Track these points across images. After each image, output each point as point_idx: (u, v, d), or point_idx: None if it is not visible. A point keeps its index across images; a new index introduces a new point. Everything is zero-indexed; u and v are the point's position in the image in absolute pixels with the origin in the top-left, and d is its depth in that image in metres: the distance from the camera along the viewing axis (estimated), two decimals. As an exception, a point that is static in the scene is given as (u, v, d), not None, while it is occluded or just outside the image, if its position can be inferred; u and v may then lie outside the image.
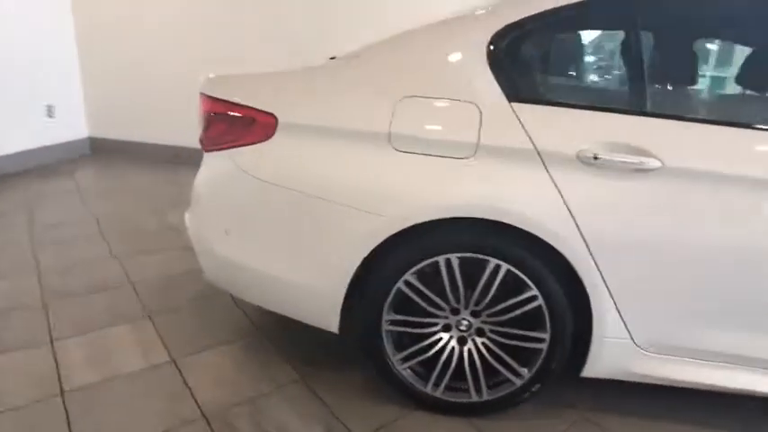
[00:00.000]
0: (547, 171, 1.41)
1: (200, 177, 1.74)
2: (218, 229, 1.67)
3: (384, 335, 1.60)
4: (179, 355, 1.89)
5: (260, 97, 1.58)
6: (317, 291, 1.61)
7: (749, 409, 1.73)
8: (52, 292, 2.28)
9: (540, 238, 1.43)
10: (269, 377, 1.80)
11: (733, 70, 1.49)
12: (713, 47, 1.53)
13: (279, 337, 2.03)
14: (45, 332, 1.99)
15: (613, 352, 1.54)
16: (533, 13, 1.46)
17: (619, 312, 1.48)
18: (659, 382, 1.56)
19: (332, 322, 1.64)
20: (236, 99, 1.58)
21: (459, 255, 1.49)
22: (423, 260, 1.51)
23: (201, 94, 1.69)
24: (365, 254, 1.51)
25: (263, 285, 1.69)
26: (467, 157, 1.43)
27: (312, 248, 1.58)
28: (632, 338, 1.51)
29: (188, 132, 4.69)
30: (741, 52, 1.47)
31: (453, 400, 1.64)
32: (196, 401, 1.66)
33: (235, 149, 1.60)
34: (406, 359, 1.62)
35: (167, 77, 4.59)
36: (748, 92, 1.54)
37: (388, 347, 1.61)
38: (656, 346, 1.52)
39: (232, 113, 1.59)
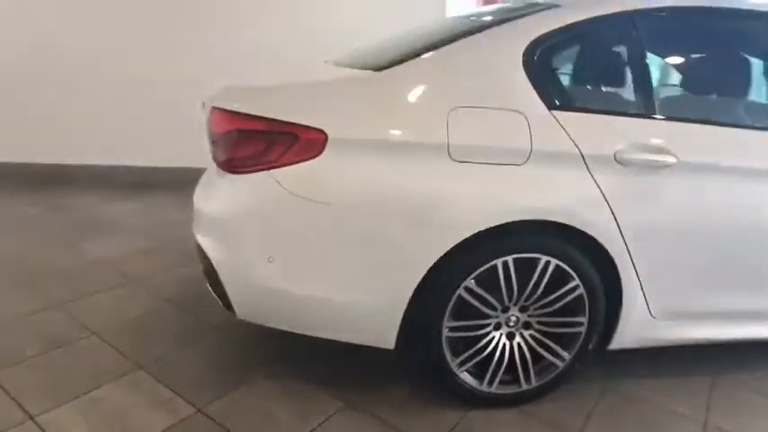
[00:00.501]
0: (589, 172, 1.57)
1: (227, 202, 1.56)
2: (260, 259, 1.53)
3: (444, 342, 1.62)
4: (203, 404, 1.68)
5: (304, 112, 1.48)
6: (376, 309, 1.57)
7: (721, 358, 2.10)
8: (-8, 358, 1.85)
9: (584, 233, 1.59)
10: (314, 408, 1.70)
11: (730, 81, 1.80)
12: (719, 61, 1.82)
13: (300, 365, 1.92)
14: (14, 408, 1.62)
15: (635, 325, 1.76)
16: (559, 26, 1.61)
17: (642, 290, 1.71)
18: (669, 344, 1.83)
19: (389, 339, 1.61)
20: (278, 115, 1.46)
21: (515, 256, 1.57)
22: (482, 265, 1.56)
23: (219, 109, 1.53)
24: (429, 266, 1.52)
25: (314, 311, 1.59)
26: (521, 164, 1.52)
27: (372, 266, 1.53)
28: (650, 311, 1.75)
29: (67, 149, 4.08)
30: (739, 66, 1.78)
31: (506, 392, 1.73)
32: (254, 449, 1.51)
33: (278, 170, 1.47)
34: (463, 362, 1.67)
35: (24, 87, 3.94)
36: (744, 98, 1.88)
37: (448, 354, 1.64)
38: (669, 315, 1.78)
39: (272, 131, 1.47)
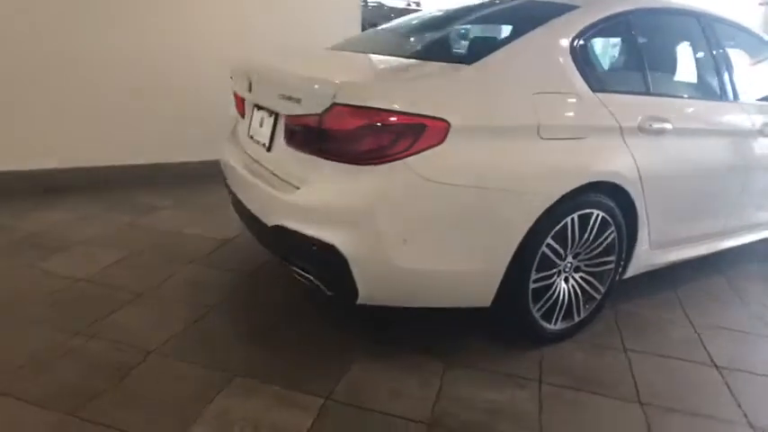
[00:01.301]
0: (624, 140, 1.97)
1: (361, 192, 1.60)
2: (395, 241, 1.62)
3: (530, 294, 1.91)
4: (327, 392, 1.72)
5: (429, 103, 1.59)
6: (485, 273, 1.79)
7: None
8: (46, 397, 1.60)
9: (619, 187, 1.99)
10: (427, 372, 1.85)
11: (705, 68, 2.36)
12: (697, 54, 2.37)
13: (387, 340, 2.03)
14: None
15: (640, 257, 2.26)
16: (597, 18, 1.96)
17: (648, 227, 2.19)
18: (655, 268, 2.38)
19: (489, 298, 1.85)
20: (412, 109, 1.55)
21: (579, 213, 1.91)
22: (559, 223, 1.87)
23: (348, 105, 1.56)
24: (527, 229, 1.78)
25: (436, 284, 1.75)
26: (585, 137, 1.86)
27: (487, 235, 1.74)
28: (649, 244, 2.26)
29: None
30: (705, 57, 2.35)
31: (565, 327, 2.09)
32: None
33: (411, 158, 1.57)
34: (540, 308, 1.98)
35: None
36: (711, 80, 2.43)
37: (531, 304, 1.94)
38: (658, 245, 2.31)
39: (406, 123, 1.56)
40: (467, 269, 1.76)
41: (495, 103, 1.72)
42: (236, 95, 2.40)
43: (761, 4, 6.22)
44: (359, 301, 1.72)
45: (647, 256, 2.30)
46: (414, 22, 2.69)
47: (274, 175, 1.92)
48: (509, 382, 1.85)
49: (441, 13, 2.67)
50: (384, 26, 2.85)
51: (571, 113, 1.84)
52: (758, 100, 2.58)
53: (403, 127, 1.57)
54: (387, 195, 1.60)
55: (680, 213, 2.32)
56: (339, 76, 1.70)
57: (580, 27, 1.94)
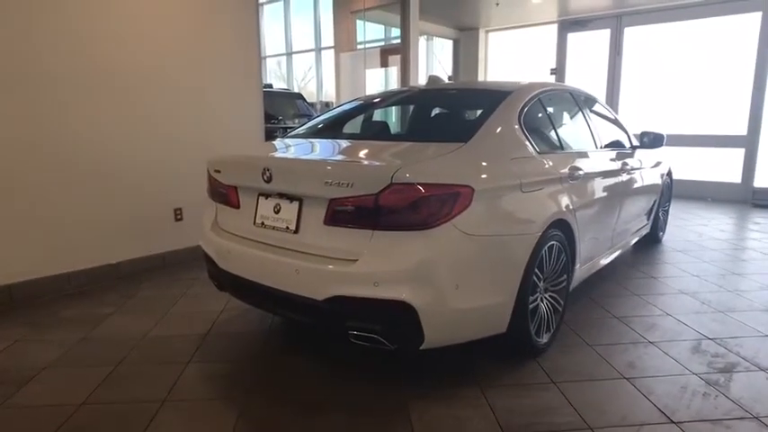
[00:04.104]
0: (562, 186, 2.64)
1: (426, 252, 1.94)
2: (450, 288, 1.97)
3: (528, 315, 2.39)
4: (411, 434, 1.95)
5: (457, 175, 2.03)
6: (505, 303, 2.23)
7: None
8: None
9: (566, 222, 2.64)
10: (471, 397, 2.18)
11: (593, 128, 3.21)
12: (578, 117, 3.19)
13: (423, 380, 2.31)
14: None
15: (577, 273, 2.93)
16: (527, 99, 2.64)
17: (579, 250, 2.89)
18: (578, 281, 3.07)
19: (505, 324, 2.28)
20: (451, 181, 1.98)
21: (548, 244, 2.49)
22: (539, 256, 2.41)
23: (403, 184, 1.90)
24: (526, 262, 2.28)
25: (474, 319, 2.13)
26: (543, 188, 2.47)
27: (504, 272, 2.21)
28: (580, 262, 2.95)
29: None
30: (594, 121, 3.19)
31: (547, 340, 2.61)
32: (487, 434, 1.94)
33: (454, 219, 1.97)
34: (533, 327, 2.46)
35: None
36: (589, 136, 3.27)
37: (530, 324, 2.42)
38: (583, 262, 3.02)
39: (447, 193, 1.96)
40: (494, 302, 2.18)
41: (492, 169, 2.23)
42: (226, 187, 2.53)
43: (552, 72, 8.09)
44: (423, 347, 2.01)
45: (579, 272, 2.99)
46: (368, 109, 3.17)
47: (310, 253, 2.13)
48: (533, 388, 2.27)
49: (380, 100, 3.20)
50: (338, 112, 3.26)
51: (534, 171, 2.45)
52: (614, 147, 3.57)
53: (446, 196, 1.98)
54: (442, 251, 1.97)
55: (592, 236, 3.08)
56: (389, 161, 2.06)
57: (519, 106, 2.60)
